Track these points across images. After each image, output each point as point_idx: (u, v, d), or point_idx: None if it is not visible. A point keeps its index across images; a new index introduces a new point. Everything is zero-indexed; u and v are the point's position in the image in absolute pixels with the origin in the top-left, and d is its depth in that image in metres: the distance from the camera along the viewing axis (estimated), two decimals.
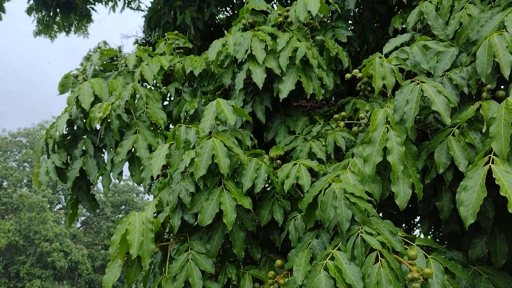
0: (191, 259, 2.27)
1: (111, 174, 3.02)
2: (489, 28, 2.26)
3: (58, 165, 3.11)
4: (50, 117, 29.25)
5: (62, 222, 24.97)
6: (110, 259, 2.32)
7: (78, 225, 27.38)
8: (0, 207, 23.47)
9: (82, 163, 3.11)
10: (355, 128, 2.59)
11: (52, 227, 21.99)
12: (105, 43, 11.60)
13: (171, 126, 3.83)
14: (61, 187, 26.22)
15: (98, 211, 27.46)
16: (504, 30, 2.12)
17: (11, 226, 21.23)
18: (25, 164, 26.22)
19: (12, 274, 21.32)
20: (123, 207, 28.92)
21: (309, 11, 2.84)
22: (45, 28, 8.29)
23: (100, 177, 3.12)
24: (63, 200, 27.38)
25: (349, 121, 2.71)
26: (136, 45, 9.41)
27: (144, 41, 9.19)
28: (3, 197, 23.80)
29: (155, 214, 2.50)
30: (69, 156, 3.21)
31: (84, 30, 10.07)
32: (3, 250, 20.97)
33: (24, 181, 25.37)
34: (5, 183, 24.96)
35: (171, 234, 2.49)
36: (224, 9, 7.87)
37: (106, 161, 3.11)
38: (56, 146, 3.23)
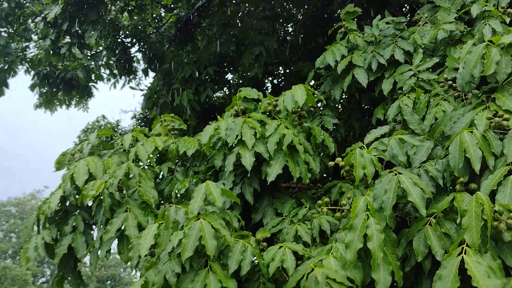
0: None
1: (99, 251, 3.04)
2: (461, 125, 2.46)
3: (48, 241, 3.15)
4: (42, 187, 29.08)
5: None
6: None
7: None
8: None
9: (71, 239, 3.15)
10: (337, 214, 2.68)
11: None
12: (103, 117, 11.94)
13: (162, 203, 3.91)
14: (47, 260, 25.42)
15: None
16: (474, 128, 2.31)
17: None
18: (12, 234, 25.60)
19: None
20: (108, 282, 27.83)
21: (296, 101, 3.08)
22: (47, 103, 8.61)
23: (88, 254, 3.13)
24: (47, 273, 26.42)
25: (333, 207, 2.81)
26: (134, 119, 9.74)
27: (141, 116, 9.52)
28: None
29: None
30: (59, 232, 3.26)
31: (84, 104, 10.45)
32: None
33: (9, 252, 24.62)
34: None
35: None
36: (221, 89, 8.28)
37: (95, 238, 3.14)
38: (47, 222, 3.28)
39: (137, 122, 9.11)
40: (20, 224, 25.35)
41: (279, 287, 2.49)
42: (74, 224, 3.22)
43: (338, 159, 2.78)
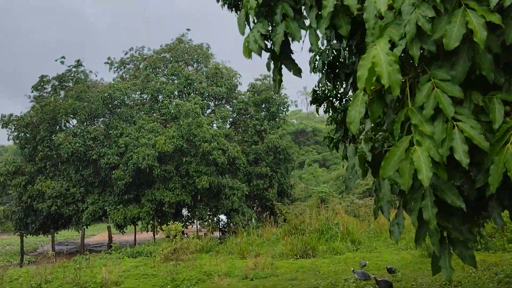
0: (437, 87, 2.24)
1: (318, 30, 3.04)
2: None
3: (263, 32, 3.24)
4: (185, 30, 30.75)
5: (214, 125, 27.39)
6: (353, 97, 2.41)
7: (228, 126, 29.74)
8: (160, 118, 26.51)
9: (285, 26, 3.19)
10: None
11: (207, 129, 24.29)
12: None
13: None
14: (209, 93, 28.29)
15: (242, 110, 29.30)
16: None
17: (174, 132, 23.99)
18: (173, 77, 28.64)
19: (182, 173, 24.53)
20: (263, 105, 30.26)
21: None
22: None
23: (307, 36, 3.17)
24: (211, 105, 29.68)
25: None
26: None
27: None
28: (161, 109, 26.75)
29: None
30: (269, 23, 3.32)
31: None
32: (172, 154, 24.01)
33: (175, 92, 27.92)
34: (160, 97, 27.87)
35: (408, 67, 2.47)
36: None
37: (310, 21, 3.13)
38: (255, 16, 3.35)
39: None
40: (177, 67, 28.03)
41: None
42: (283, 11, 3.22)
43: None
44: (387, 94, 2.34)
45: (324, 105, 7.78)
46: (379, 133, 3.17)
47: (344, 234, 17.48)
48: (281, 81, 3.52)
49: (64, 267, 14.19)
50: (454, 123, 2.21)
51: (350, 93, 7.57)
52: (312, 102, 7.68)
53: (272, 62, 3.35)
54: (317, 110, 7.74)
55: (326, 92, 7.55)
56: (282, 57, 3.38)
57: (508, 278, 8.71)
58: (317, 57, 5.04)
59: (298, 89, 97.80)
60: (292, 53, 3.42)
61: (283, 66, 3.41)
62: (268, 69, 3.41)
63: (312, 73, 5.40)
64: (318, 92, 7.64)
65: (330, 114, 7.76)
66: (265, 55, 3.37)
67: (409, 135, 2.30)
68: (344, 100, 7.61)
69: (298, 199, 35.48)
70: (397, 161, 2.27)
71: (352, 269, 10.33)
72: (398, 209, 2.92)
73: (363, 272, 9.78)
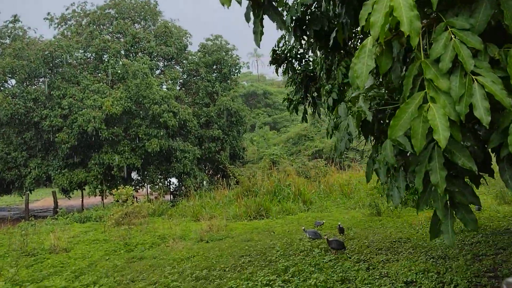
0: (455, 37, 2.08)
1: None
2: None
3: None
4: None
5: (164, 87, 26.54)
6: (359, 48, 2.20)
7: (178, 87, 28.93)
8: (106, 78, 25.26)
9: None
10: None
11: (157, 91, 23.49)
12: None
13: None
14: (158, 53, 27.22)
15: (193, 72, 28.54)
16: None
17: (122, 94, 23.00)
18: (119, 35, 27.18)
19: (132, 136, 23.78)
20: (214, 66, 29.62)
21: None
22: None
23: None
24: (160, 66, 28.65)
25: None
26: None
27: None
28: (107, 69, 25.46)
29: None
30: None
31: None
32: (120, 116, 23.12)
33: (122, 51, 26.58)
34: (105, 56, 26.45)
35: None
36: None
37: None
38: None
39: None
40: (122, 24, 26.55)
41: None
42: None
43: None
44: (397, 44, 2.15)
45: (283, 66, 7.61)
46: (375, 90, 3.02)
47: (296, 195, 17.82)
48: (262, 33, 3.26)
49: (9, 233, 13.53)
50: (474, 77, 2.04)
51: (310, 53, 7.46)
52: (271, 63, 7.49)
53: (252, 12, 3.08)
54: (276, 71, 7.57)
55: (285, 52, 7.38)
56: (264, 6, 3.12)
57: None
58: (285, 13, 4.82)
59: (249, 50, 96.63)
60: (276, 1, 3.16)
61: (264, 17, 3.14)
62: (247, 20, 3.13)
63: (279, 30, 5.18)
64: (278, 52, 7.46)
65: (290, 75, 7.63)
66: (244, 4, 3.10)
67: (421, 91, 2.12)
68: (303, 61, 7.49)
69: (249, 161, 35.67)
70: (408, 120, 2.09)
71: (303, 228, 10.55)
72: (396, 172, 2.84)
73: (315, 232, 10.02)
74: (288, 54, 7.38)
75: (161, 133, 23.59)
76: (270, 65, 7.50)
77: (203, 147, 27.24)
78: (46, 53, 23.25)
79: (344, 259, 7.84)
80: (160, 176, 26.04)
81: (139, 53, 26.80)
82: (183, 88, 29.33)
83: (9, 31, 24.92)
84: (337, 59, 4.50)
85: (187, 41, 29.84)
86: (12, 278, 7.81)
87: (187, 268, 7.97)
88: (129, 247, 10.71)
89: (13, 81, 24.19)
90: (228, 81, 29.68)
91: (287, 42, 7.39)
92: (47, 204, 33.58)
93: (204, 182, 26.56)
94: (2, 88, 23.92)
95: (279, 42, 7.40)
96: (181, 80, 28.99)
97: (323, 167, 25.09)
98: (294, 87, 7.47)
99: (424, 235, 9.41)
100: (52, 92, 23.27)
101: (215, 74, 29.47)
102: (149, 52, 26.86)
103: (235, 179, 25.50)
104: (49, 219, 17.65)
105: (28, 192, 23.35)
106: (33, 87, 24.19)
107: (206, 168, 29.43)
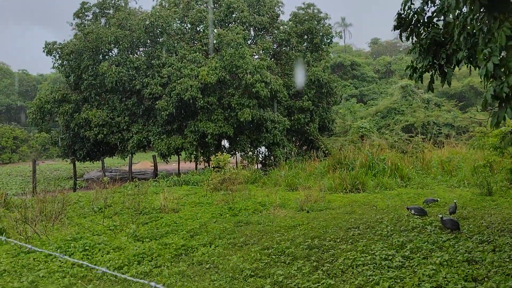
0: None
1: None
2: None
3: None
4: None
5: (256, 57, 26.66)
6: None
7: (268, 58, 28.90)
8: (202, 48, 25.90)
9: None
10: None
11: (250, 61, 23.64)
12: None
13: None
14: (251, 23, 27.26)
15: (284, 42, 28.25)
16: None
17: (216, 63, 23.47)
18: (214, 5, 27.59)
19: (225, 105, 24.33)
20: (306, 36, 29.10)
21: None
22: None
23: None
24: (252, 36, 28.72)
25: None
26: None
27: None
28: (203, 39, 26.09)
29: None
30: None
31: None
32: (214, 85, 23.70)
33: (215, 22, 27.01)
34: (201, 26, 27.07)
35: None
36: None
37: None
38: None
39: None
40: None
41: None
42: None
43: None
44: None
45: (407, 31, 7.12)
46: None
47: (392, 170, 17.17)
48: None
49: (118, 192, 14.67)
50: None
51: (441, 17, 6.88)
52: (395, 27, 7.04)
53: None
54: (400, 36, 7.11)
55: (411, 16, 6.87)
56: None
57: None
58: None
59: (336, 20, 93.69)
60: None
61: None
62: None
63: None
64: (403, 15, 6.98)
65: (415, 40, 7.13)
66: None
67: None
68: (431, 25, 6.93)
69: (333, 134, 35.08)
70: None
71: (406, 206, 10.12)
72: None
73: (420, 208, 9.58)
74: (415, 18, 6.87)
75: (253, 103, 23.84)
76: (394, 29, 7.05)
77: (292, 118, 27.18)
78: (147, 23, 24.31)
79: (464, 239, 7.38)
80: (250, 145, 26.53)
81: (232, 23, 27.05)
82: (273, 59, 29.23)
83: (112, 2, 26.38)
84: (499, 19, 4.04)
85: (279, 10, 29.52)
86: (133, 234, 8.43)
87: (297, 236, 8.03)
88: (233, 211, 11.06)
89: (116, 50, 25.73)
90: (319, 51, 29.05)
91: (413, 4, 6.89)
92: (144, 167, 35.99)
93: (292, 153, 26.63)
94: (107, 57, 25.57)
95: (405, 4, 6.91)
96: (270, 51, 28.87)
97: (420, 142, 23.88)
98: (419, 53, 6.96)
99: None
100: (152, 61, 24.41)
101: (306, 44, 28.97)
102: (242, 22, 26.99)
103: (325, 151, 25.22)
104: (151, 181, 18.86)
105: (130, 155, 25.07)
106: (134, 56, 25.55)
107: (295, 139, 29.42)
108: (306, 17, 28.67)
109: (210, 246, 7.61)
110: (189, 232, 8.70)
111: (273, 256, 6.85)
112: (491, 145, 15.56)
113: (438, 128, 38.09)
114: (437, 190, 14.42)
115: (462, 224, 8.43)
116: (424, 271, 5.70)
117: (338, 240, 7.69)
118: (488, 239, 7.29)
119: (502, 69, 3.90)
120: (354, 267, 6.15)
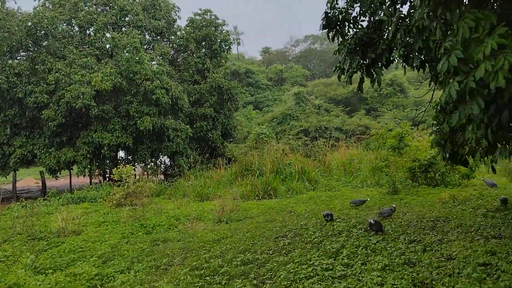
0: None
1: None
2: None
3: None
4: None
5: (154, 62, 25.36)
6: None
7: (167, 64, 27.76)
8: (94, 52, 23.88)
9: None
10: None
11: (149, 66, 22.33)
12: None
13: None
14: (147, 27, 25.93)
15: (182, 47, 27.41)
16: None
17: (111, 69, 21.75)
18: (105, 7, 25.68)
19: (122, 113, 22.65)
20: (204, 42, 28.57)
21: None
22: None
23: None
24: (148, 40, 27.35)
25: None
26: None
27: None
28: (94, 43, 24.07)
29: None
30: None
31: None
32: (110, 92, 21.96)
33: (108, 26, 25.14)
34: (91, 29, 24.98)
35: None
36: None
37: None
38: None
39: None
40: None
41: None
42: None
43: None
44: None
45: (332, 31, 6.96)
46: None
47: (300, 174, 17.35)
48: None
49: (3, 215, 12.62)
50: None
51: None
52: (323, 27, 6.82)
53: None
54: (328, 36, 6.91)
55: (339, 15, 6.72)
56: None
57: (490, 212, 8.95)
58: None
59: (228, 28, 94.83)
60: None
61: None
62: None
63: None
64: (330, 15, 6.79)
65: (340, 40, 6.99)
66: None
67: None
68: (358, 25, 6.84)
69: (234, 140, 34.99)
70: None
71: (322, 213, 9.99)
72: None
73: (360, 200, 10.40)
74: (340, 17, 6.72)
75: (154, 111, 22.56)
76: (322, 29, 6.83)
77: (194, 125, 26.36)
78: (29, 24, 21.69)
79: (392, 240, 7.40)
80: (150, 156, 25.06)
81: (126, 27, 25.43)
82: (171, 65, 28.15)
83: None
84: (459, 11, 3.91)
85: (176, 15, 28.60)
86: (32, 265, 7.04)
87: (225, 251, 7.38)
88: (146, 229, 10.01)
89: None
90: (218, 57, 28.71)
91: (337, 4, 6.75)
92: (28, 184, 32.19)
93: (197, 162, 25.79)
94: None
95: (330, 3, 6.73)
96: (168, 57, 27.75)
97: (322, 145, 24.71)
98: (346, 54, 6.82)
99: (460, 214, 9.07)
100: (36, 66, 21.82)
101: (204, 50, 28.44)
102: (137, 26, 25.52)
103: (231, 158, 24.87)
104: (41, 200, 16.66)
105: (14, 172, 22.07)
106: (15, 61, 22.67)
107: (197, 147, 28.60)
108: (204, 23, 28.15)
109: (129, 272, 6.60)
110: (100, 257, 7.53)
111: (207, 278, 6.12)
112: (389, 146, 16.53)
113: (329, 132, 40.17)
114: (345, 191, 14.82)
115: (383, 223, 8.52)
116: (371, 278, 5.46)
117: (270, 252, 7.21)
118: (415, 238, 7.39)
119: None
120: (298, 281, 5.71)
